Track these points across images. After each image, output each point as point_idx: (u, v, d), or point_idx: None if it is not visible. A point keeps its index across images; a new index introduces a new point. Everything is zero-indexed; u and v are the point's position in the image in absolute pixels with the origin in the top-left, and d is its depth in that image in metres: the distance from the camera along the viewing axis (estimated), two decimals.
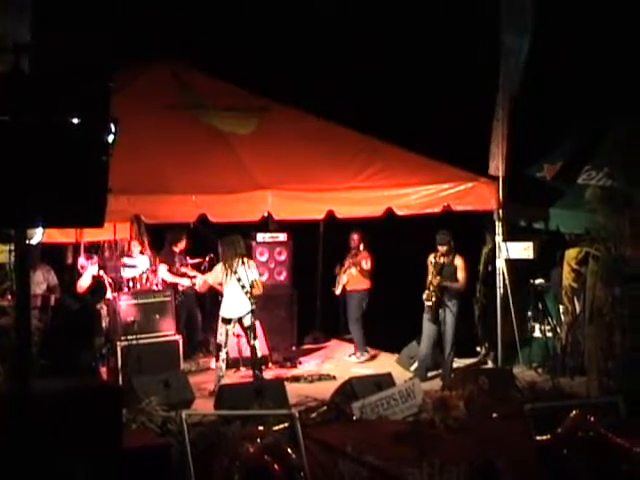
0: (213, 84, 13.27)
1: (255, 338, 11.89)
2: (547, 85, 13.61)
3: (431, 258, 12.13)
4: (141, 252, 13.20)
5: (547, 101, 13.64)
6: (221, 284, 11.89)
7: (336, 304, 14.28)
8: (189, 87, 12.91)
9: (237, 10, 15.56)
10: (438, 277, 11.99)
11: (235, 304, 11.76)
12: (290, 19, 15.76)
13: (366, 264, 13.55)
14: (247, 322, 11.80)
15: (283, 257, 13.92)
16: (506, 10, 12.27)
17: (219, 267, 11.92)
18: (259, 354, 11.96)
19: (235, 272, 11.70)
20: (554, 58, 14.15)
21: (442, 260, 12.04)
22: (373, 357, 13.78)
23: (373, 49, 15.82)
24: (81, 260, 12.70)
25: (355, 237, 13.69)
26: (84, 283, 12.26)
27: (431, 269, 12.07)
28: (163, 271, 12.90)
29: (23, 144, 6.80)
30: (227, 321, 11.82)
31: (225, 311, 11.87)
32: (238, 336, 12.41)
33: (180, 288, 13.07)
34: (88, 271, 12.35)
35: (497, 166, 12.40)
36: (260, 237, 14.04)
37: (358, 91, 15.46)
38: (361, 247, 13.64)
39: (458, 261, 12.11)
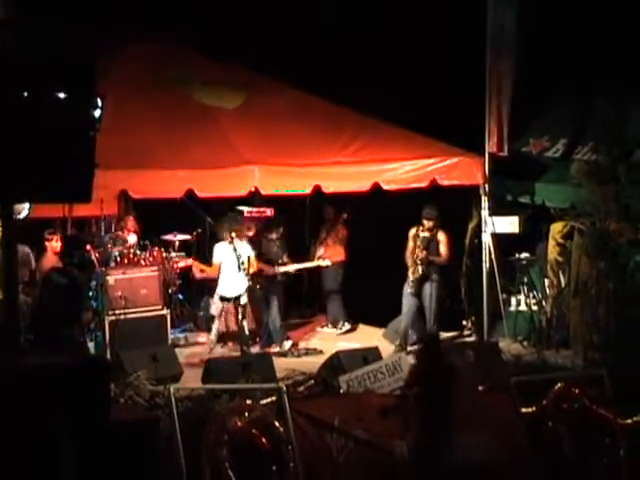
0: (200, 59, 13.21)
1: (244, 317, 11.98)
2: (531, 59, 13.55)
3: (415, 232, 12.23)
4: (134, 231, 13.25)
5: (531, 75, 13.58)
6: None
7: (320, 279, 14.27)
8: (176, 62, 12.86)
9: None
10: (425, 251, 12.08)
11: (234, 282, 11.94)
12: None
13: (341, 234, 13.65)
14: (243, 300, 11.99)
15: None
16: None
17: (222, 246, 11.98)
18: (247, 332, 12.03)
19: (235, 249, 11.84)
20: (538, 31, 14.10)
21: (428, 234, 12.13)
22: (354, 328, 13.90)
23: (360, 25, 15.73)
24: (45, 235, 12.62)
25: (329, 210, 13.80)
26: (46, 258, 12.23)
27: (418, 243, 12.15)
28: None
29: (9, 120, 6.76)
30: (226, 299, 12.02)
31: (224, 290, 12.03)
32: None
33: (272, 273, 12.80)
34: (50, 246, 12.30)
35: (495, 143, 12.38)
36: (247, 212, 14.02)
37: (344, 66, 15.39)
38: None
39: (441, 236, 12.26)
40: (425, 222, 12.19)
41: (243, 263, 11.83)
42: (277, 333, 12.66)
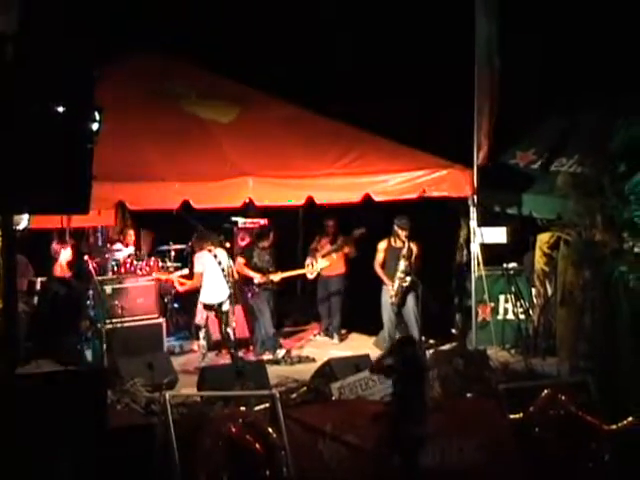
0: (195, 73, 13.24)
1: (228, 325, 12.10)
2: (519, 73, 13.60)
3: (386, 244, 12.31)
4: (133, 244, 13.30)
5: (518, 89, 13.63)
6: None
7: (314, 288, 14.26)
8: (172, 76, 12.89)
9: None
10: (408, 261, 12.14)
11: (216, 290, 12.04)
12: (268, 7, 15.71)
13: (349, 249, 13.68)
14: (226, 307, 12.11)
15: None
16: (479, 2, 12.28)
17: (202, 255, 12.06)
18: (232, 338, 12.12)
19: (215, 256, 12.01)
20: (524, 46, 14.17)
21: (407, 245, 12.17)
22: (345, 337, 13.95)
23: (350, 38, 15.79)
24: (54, 246, 12.64)
25: (331, 223, 13.82)
26: (58, 268, 12.24)
27: (404, 252, 12.20)
28: (240, 265, 12.71)
29: (9, 132, 6.77)
30: (209, 307, 12.13)
31: (207, 297, 12.12)
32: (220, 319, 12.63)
33: (256, 282, 12.77)
34: (62, 256, 12.31)
35: (484, 156, 12.41)
36: (241, 222, 14.06)
37: (336, 81, 15.45)
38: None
39: (413, 246, 12.29)
40: (400, 232, 12.25)
41: (224, 270, 11.99)
42: (270, 341, 12.66)
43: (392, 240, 12.38)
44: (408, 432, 8.40)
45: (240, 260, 12.74)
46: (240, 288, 12.56)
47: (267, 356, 12.42)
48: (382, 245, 12.45)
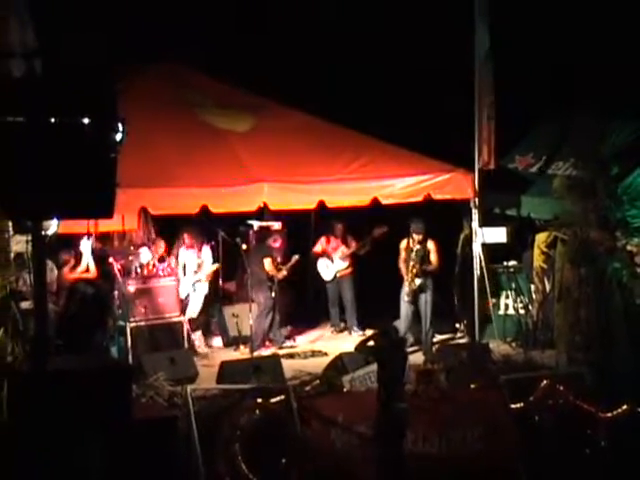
0: (211, 84, 13.28)
1: None
2: (515, 77, 13.59)
3: (406, 244, 12.34)
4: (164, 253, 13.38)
5: (516, 94, 13.62)
6: None
7: (324, 287, 14.26)
8: (189, 87, 12.94)
9: (229, 11, 15.57)
10: (419, 265, 12.12)
11: None
12: (278, 17, 15.75)
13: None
14: None
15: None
16: (477, 9, 12.24)
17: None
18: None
19: None
20: (522, 53, 14.16)
21: (420, 247, 12.17)
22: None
23: (355, 46, 15.78)
24: (65, 256, 12.64)
25: (340, 226, 13.84)
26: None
27: (413, 256, 12.18)
28: (268, 264, 12.91)
29: (39, 143, 6.82)
30: None
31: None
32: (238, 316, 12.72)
33: (279, 277, 13.08)
34: (67, 266, 12.34)
35: (486, 160, 12.38)
36: (257, 226, 14.09)
37: (345, 89, 15.47)
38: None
39: (430, 245, 12.32)
40: (415, 236, 12.25)
41: None
42: (266, 336, 12.88)
43: (410, 241, 12.37)
44: (394, 407, 8.40)
45: (267, 259, 12.87)
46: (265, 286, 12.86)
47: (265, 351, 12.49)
48: (403, 244, 12.45)
